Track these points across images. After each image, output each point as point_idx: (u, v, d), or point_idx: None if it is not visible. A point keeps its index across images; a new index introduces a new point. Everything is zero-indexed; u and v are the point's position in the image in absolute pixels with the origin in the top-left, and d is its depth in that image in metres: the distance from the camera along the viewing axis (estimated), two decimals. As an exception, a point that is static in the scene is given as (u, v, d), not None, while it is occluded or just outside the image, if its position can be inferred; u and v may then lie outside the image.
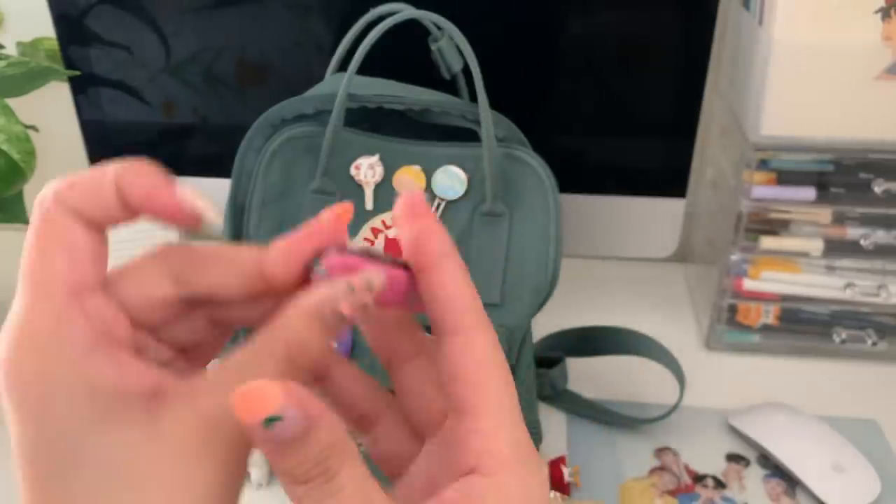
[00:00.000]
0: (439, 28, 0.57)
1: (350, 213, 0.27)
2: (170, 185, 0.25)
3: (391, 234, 0.56)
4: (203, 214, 0.26)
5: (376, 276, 0.25)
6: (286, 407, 0.22)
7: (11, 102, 0.64)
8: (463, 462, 0.25)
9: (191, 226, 0.26)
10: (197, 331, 0.28)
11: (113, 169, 0.25)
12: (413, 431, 0.30)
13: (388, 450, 0.30)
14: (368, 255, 0.26)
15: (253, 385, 0.22)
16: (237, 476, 0.25)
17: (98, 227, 0.25)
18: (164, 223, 0.26)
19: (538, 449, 0.56)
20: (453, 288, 0.27)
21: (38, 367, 0.23)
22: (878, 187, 0.69)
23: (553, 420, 0.68)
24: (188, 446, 0.23)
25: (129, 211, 0.25)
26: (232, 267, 0.26)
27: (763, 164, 0.70)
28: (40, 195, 0.25)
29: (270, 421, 0.22)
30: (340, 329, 0.25)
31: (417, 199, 0.27)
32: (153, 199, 0.25)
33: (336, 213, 0.27)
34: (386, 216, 0.56)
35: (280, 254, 0.26)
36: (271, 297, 0.27)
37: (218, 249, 0.27)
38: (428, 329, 0.29)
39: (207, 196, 0.26)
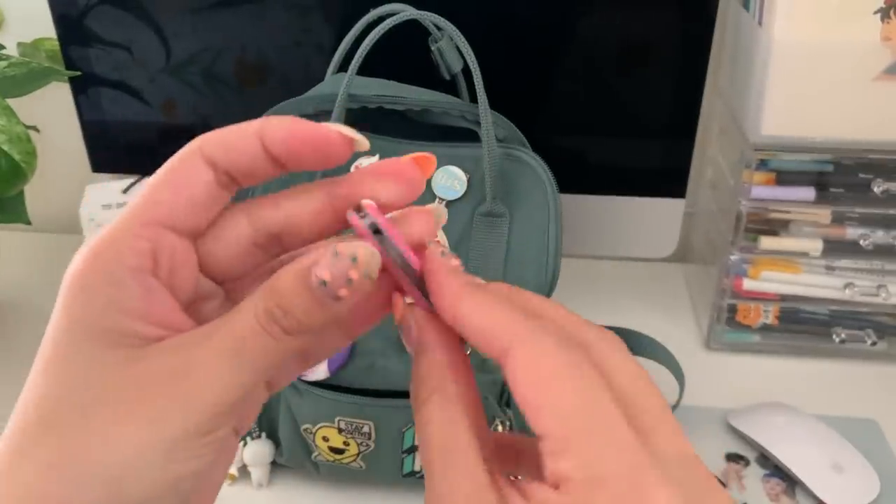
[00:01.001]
0: (439, 28, 0.57)
1: (434, 164, 0.28)
2: (310, 123, 0.26)
3: (391, 234, 0.56)
4: (352, 138, 0.26)
5: (365, 252, 0.24)
6: (402, 320, 0.26)
7: (12, 103, 0.64)
8: (545, 475, 0.23)
9: (342, 155, 0.26)
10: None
11: (257, 123, 0.26)
12: None
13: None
14: (383, 237, 0.26)
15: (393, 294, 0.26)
16: (195, 426, 0.24)
17: (225, 184, 0.26)
18: (311, 163, 0.26)
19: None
20: (474, 316, 0.25)
21: (86, 270, 0.24)
22: (878, 187, 0.69)
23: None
24: (153, 378, 0.24)
25: (272, 158, 0.26)
26: (305, 198, 0.27)
27: (762, 165, 0.70)
28: (191, 142, 0.26)
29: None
30: (329, 298, 0.24)
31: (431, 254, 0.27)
32: (300, 137, 0.25)
33: (419, 160, 0.27)
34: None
35: (349, 186, 0.27)
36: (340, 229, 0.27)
37: (290, 191, 0.27)
38: None
39: (347, 128, 0.26)
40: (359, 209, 0.26)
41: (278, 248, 0.27)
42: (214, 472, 0.26)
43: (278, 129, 0.25)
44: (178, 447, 0.23)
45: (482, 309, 0.25)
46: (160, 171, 0.26)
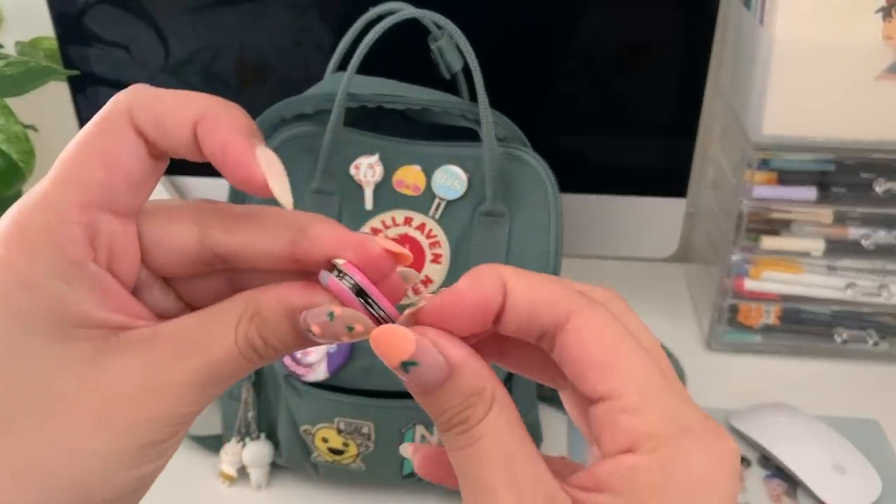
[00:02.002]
0: (439, 27, 0.57)
1: (409, 261, 0.25)
2: (248, 151, 0.23)
3: (391, 234, 0.56)
4: (274, 190, 0.24)
5: (361, 322, 0.24)
6: (420, 350, 0.22)
7: (10, 102, 0.64)
8: (615, 443, 0.23)
9: (259, 195, 0.24)
10: (213, 292, 0.26)
11: (201, 105, 0.23)
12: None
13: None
14: (367, 299, 0.24)
15: (385, 328, 0.23)
16: (162, 425, 0.23)
17: (157, 155, 0.24)
18: (231, 182, 0.24)
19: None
20: (527, 291, 0.24)
21: (18, 261, 0.22)
22: (880, 187, 0.69)
23: (553, 420, 0.68)
24: (123, 392, 0.23)
25: (199, 152, 0.24)
26: (263, 236, 0.25)
27: (764, 164, 0.70)
28: (120, 94, 0.24)
29: (408, 365, 0.23)
30: (306, 339, 0.24)
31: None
32: (226, 155, 0.23)
33: (395, 252, 0.25)
34: (385, 216, 0.56)
35: (316, 246, 0.25)
36: (292, 273, 0.25)
37: (255, 211, 0.25)
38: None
39: (279, 169, 0.24)
40: (333, 268, 0.25)
41: (223, 265, 0.25)
42: (169, 457, 0.25)
43: (213, 132, 0.23)
44: (146, 453, 0.23)
45: (535, 283, 0.24)
46: (86, 140, 0.23)
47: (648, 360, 0.23)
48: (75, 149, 0.24)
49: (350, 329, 0.24)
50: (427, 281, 0.55)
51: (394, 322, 0.25)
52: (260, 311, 0.24)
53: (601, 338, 0.23)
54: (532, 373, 0.28)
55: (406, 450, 0.29)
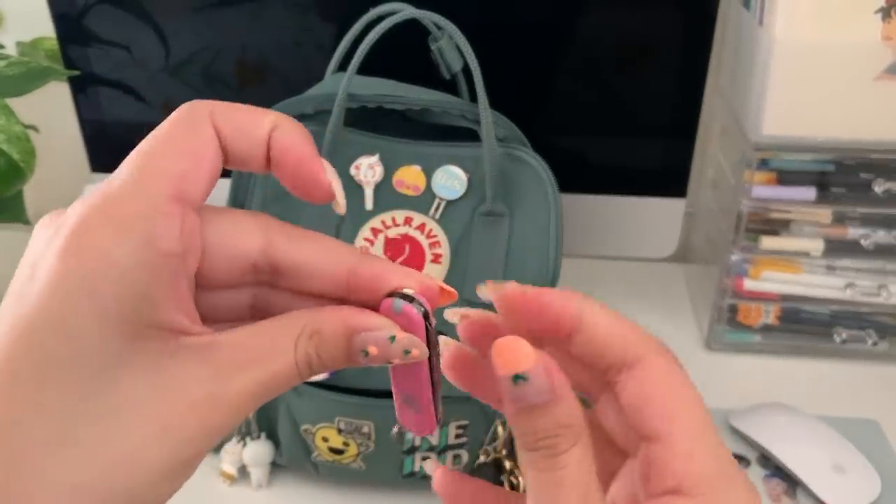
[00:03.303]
0: (439, 28, 0.57)
1: (454, 299, 0.27)
2: (318, 160, 0.25)
3: (391, 234, 0.56)
4: (337, 198, 0.26)
5: (418, 347, 0.26)
6: (535, 369, 0.23)
7: (11, 102, 0.64)
8: (663, 484, 0.25)
9: (317, 200, 0.26)
10: (233, 308, 0.27)
11: (274, 117, 0.25)
12: (616, 448, 0.29)
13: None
14: (432, 331, 0.26)
15: (509, 338, 0.24)
16: (211, 438, 0.24)
17: (228, 159, 0.25)
18: (293, 187, 0.25)
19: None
20: (606, 325, 0.26)
21: (109, 243, 0.22)
22: (879, 187, 0.69)
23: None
24: (189, 397, 0.23)
25: (266, 162, 0.25)
26: (328, 256, 0.26)
27: (763, 164, 0.70)
28: (196, 101, 0.24)
29: (518, 378, 0.24)
30: (355, 359, 0.25)
31: (512, 292, 0.27)
32: (300, 166, 0.25)
33: (446, 291, 0.27)
34: (385, 216, 0.56)
35: (376, 275, 0.26)
36: (340, 300, 0.26)
37: (318, 237, 0.26)
38: None
39: (338, 179, 0.26)
40: (401, 296, 0.26)
41: (269, 279, 0.26)
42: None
43: (287, 136, 0.25)
44: (192, 464, 0.24)
45: (615, 317, 0.26)
46: (169, 135, 0.24)
47: (703, 411, 0.25)
48: (157, 143, 0.23)
49: (407, 353, 0.25)
50: (427, 281, 0.55)
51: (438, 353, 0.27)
52: (321, 330, 0.25)
53: (667, 382, 0.25)
54: None
55: (428, 468, 0.30)
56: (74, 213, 0.22)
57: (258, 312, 0.27)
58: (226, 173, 0.60)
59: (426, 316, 0.26)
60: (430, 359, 0.27)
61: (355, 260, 0.26)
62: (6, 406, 0.21)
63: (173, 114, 0.24)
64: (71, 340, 0.21)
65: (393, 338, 0.25)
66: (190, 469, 0.24)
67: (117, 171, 0.23)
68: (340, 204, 0.26)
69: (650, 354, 0.26)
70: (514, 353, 0.24)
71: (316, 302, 0.26)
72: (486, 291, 0.26)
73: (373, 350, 0.25)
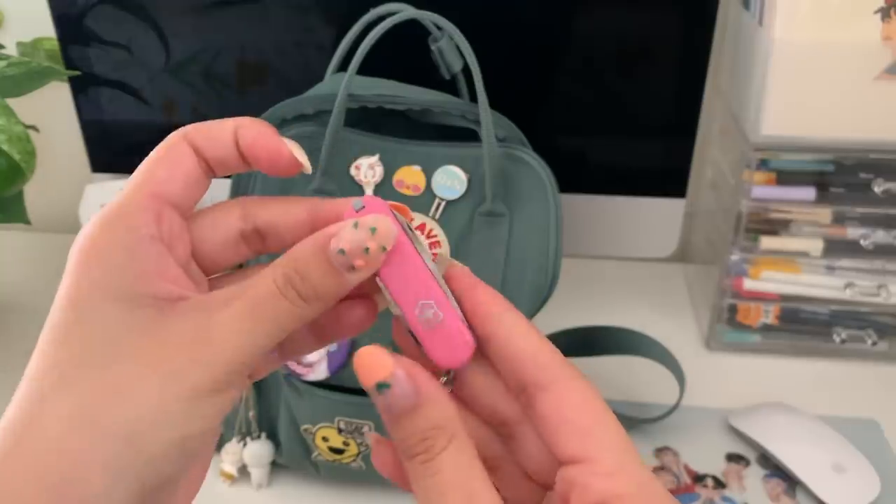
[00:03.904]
0: (439, 28, 0.57)
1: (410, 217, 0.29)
2: (277, 136, 0.29)
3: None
4: (301, 162, 0.29)
5: (384, 224, 0.26)
6: (394, 376, 0.25)
7: (12, 102, 0.64)
8: (584, 502, 0.25)
9: (288, 171, 0.29)
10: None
11: (235, 121, 0.29)
12: (534, 483, 0.30)
13: (513, 497, 0.30)
14: (403, 222, 0.28)
15: (367, 349, 0.25)
16: (205, 372, 0.25)
17: (209, 167, 0.29)
18: (266, 168, 0.29)
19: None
20: (524, 343, 0.27)
21: (99, 238, 0.26)
22: (878, 187, 0.69)
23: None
24: (176, 337, 0.25)
25: (241, 156, 0.29)
26: (289, 208, 0.29)
27: (763, 164, 0.70)
28: (174, 133, 0.29)
29: (381, 387, 0.25)
30: (345, 267, 0.26)
31: (461, 272, 0.29)
32: (261, 144, 0.28)
33: (397, 206, 0.30)
34: (386, 216, 0.56)
35: (333, 214, 0.29)
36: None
37: (286, 198, 0.30)
38: None
39: (300, 148, 0.29)
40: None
41: (260, 245, 0.30)
42: (211, 442, 0.27)
43: (248, 130, 0.29)
44: (191, 405, 0.25)
45: (525, 335, 0.27)
46: (151, 155, 0.28)
47: (621, 431, 0.26)
48: (144, 163, 0.28)
49: (374, 230, 0.26)
50: (427, 281, 0.55)
51: (421, 242, 0.28)
52: (293, 254, 0.27)
53: (583, 404, 0.26)
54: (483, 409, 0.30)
55: (369, 438, 0.30)
56: (87, 226, 0.27)
57: None
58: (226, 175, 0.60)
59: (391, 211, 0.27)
60: (419, 255, 0.27)
61: (314, 204, 0.29)
62: (37, 390, 0.25)
63: (156, 148, 0.29)
64: (77, 313, 0.25)
65: (356, 223, 0.26)
66: (197, 408, 0.25)
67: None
68: (305, 165, 0.29)
69: (564, 377, 0.26)
70: (373, 363, 0.25)
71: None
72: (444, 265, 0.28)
73: (345, 244, 0.26)
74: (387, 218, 0.26)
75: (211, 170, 0.29)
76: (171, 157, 0.28)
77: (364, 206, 0.27)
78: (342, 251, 0.26)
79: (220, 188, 0.56)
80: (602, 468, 0.25)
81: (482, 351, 0.28)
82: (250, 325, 0.25)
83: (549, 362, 0.27)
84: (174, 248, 0.27)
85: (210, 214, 0.29)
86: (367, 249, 0.26)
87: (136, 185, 0.27)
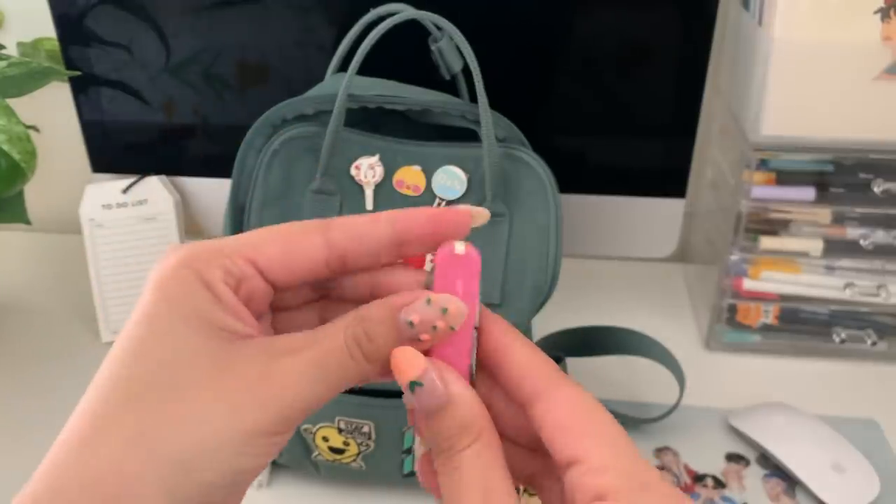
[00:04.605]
0: (439, 28, 0.57)
1: (485, 218, 0.29)
2: (449, 212, 0.29)
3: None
4: (473, 216, 0.29)
5: (456, 306, 0.27)
6: (426, 374, 0.26)
7: (12, 102, 0.64)
8: (584, 501, 0.26)
9: (462, 235, 0.29)
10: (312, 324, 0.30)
11: (388, 222, 0.28)
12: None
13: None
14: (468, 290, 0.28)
15: (402, 348, 0.27)
16: (267, 410, 0.26)
17: (341, 263, 0.28)
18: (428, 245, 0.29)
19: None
20: (524, 357, 0.28)
21: (182, 267, 0.26)
22: (878, 187, 0.69)
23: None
24: (242, 375, 0.26)
25: (398, 242, 0.28)
26: (370, 224, 0.29)
27: (763, 164, 0.70)
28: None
29: (414, 385, 0.26)
30: (405, 334, 0.27)
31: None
32: (433, 221, 0.29)
33: (470, 212, 0.29)
34: (386, 216, 0.56)
35: (413, 217, 0.29)
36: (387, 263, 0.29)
37: (366, 216, 0.29)
38: None
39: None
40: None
41: (342, 269, 0.29)
42: (255, 477, 0.27)
43: (415, 220, 0.28)
44: (248, 442, 0.25)
45: (528, 350, 0.29)
46: (282, 227, 0.28)
47: (616, 428, 0.27)
48: (273, 228, 0.28)
49: (444, 311, 0.27)
50: (427, 281, 0.55)
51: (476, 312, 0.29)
52: (366, 315, 0.27)
53: (576, 406, 0.27)
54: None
55: (417, 451, 0.31)
56: (168, 256, 0.27)
57: (327, 305, 0.31)
58: (226, 174, 0.60)
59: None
60: (472, 332, 0.28)
61: (394, 214, 0.29)
62: (102, 403, 0.25)
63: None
64: (153, 329, 0.26)
65: (428, 300, 0.27)
66: (252, 445, 0.25)
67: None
68: (479, 217, 0.29)
69: (560, 384, 0.27)
70: (407, 362, 0.27)
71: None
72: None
73: (415, 318, 0.27)
74: (458, 301, 0.27)
75: (346, 265, 0.29)
76: (293, 243, 0.28)
77: (465, 253, 0.28)
78: (411, 324, 0.27)
79: (221, 188, 0.57)
80: (593, 465, 0.26)
81: (495, 378, 0.29)
82: (315, 376, 0.26)
83: (548, 372, 0.28)
84: (252, 305, 0.28)
85: (291, 246, 0.28)
86: (435, 327, 0.27)
87: (241, 243, 0.28)
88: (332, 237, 0.28)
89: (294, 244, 0.28)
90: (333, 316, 0.29)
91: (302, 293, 0.31)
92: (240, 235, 0.28)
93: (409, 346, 0.27)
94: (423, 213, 0.29)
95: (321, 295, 0.31)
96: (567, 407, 0.27)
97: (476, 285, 0.28)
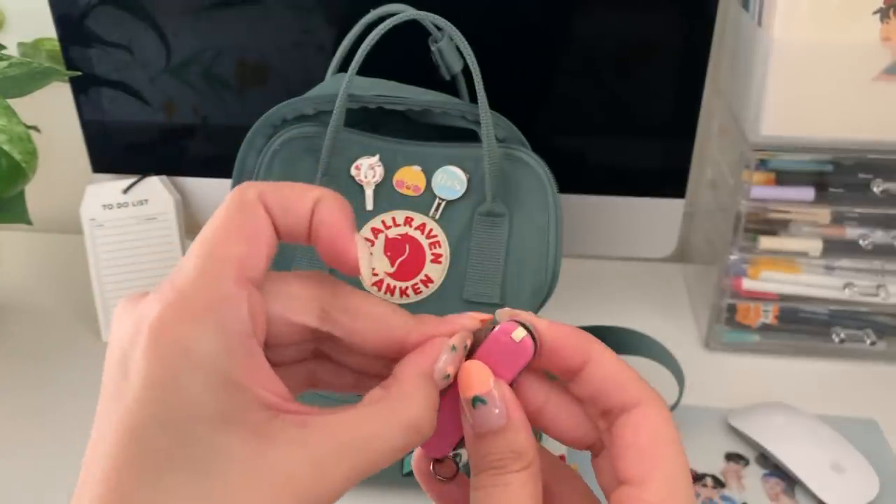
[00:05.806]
0: (439, 29, 0.57)
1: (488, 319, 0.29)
2: (350, 235, 0.26)
3: (391, 234, 0.56)
4: (362, 274, 0.27)
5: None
6: (491, 393, 0.26)
7: (13, 103, 0.64)
8: None
9: (347, 268, 0.27)
10: (295, 381, 0.29)
11: (318, 193, 0.26)
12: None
13: None
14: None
15: (474, 362, 0.27)
16: None
17: (279, 234, 0.26)
18: (323, 255, 0.26)
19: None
20: (612, 368, 0.28)
21: (187, 338, 0.23)
22: (877, 187, 0.69)
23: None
24: (290, 484, 0.23)
25: (307, 232, 0.26)
26: (380, 324, 0.27)
27: (762, 165, 0.70)
28: (244, 185, 0.26)
29: (476, 401, 0.27)
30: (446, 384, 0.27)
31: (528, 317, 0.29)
32: (333, 241, 0.26)
33: (481, 319, 0.29)
34: (386, 216, 0.57)
35: (435, 327, 0.28)
36: (394, 358, 0.28)
37: (371, 299, 0.27)
38: None
39: (371, 254, 0.28)
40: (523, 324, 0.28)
41: (330, 343, 0.28)
42: None
43: (327, 211, 0.26)
44: None
45: (613, 361, 0.28)
46: (225, 220, 0.25)
47: (683, 464, 0.27)
48: (215, 230, 0.25)
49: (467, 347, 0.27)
50: (427, 280, 0.55)
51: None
52: (417, 424, 0.26)
53: (656, 432, 0.27)
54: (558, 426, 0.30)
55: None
56: (151, 309, 0.23)
57: (319, 364, 0.29)
58: (227, 174, 0.60)
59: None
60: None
61: (406, 331, 0.27)
62: (114, 500, 0.22)
63: (226, 199, 0.25)
64: (169, 437, 0.22)
65: (453, 347, 0.27)
66: None
67: (184, 259, 0.24)
68: (365, 279, 0.27)
69: (646, 402, 0.27)
70: (475, 378, 0.27)
71: (370, 363, 0.28)
72: (505, 317, 0.28)
73: (450, 369, 0.27)
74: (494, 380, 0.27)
75: (281, 236, 0.26)
76: (250, 227, 0.25)
77: (520, 342, 0.27)
78: (448, 377, 0.27)
79: (221, 188, 0.57)
80: (652, 494, 0.26)
81: (574, 380, 0.29)
82: (359, 479, 0.25)
83: (635, 386, 0.28)
84: (258, 338, 0.25)
85: (285, 297, 0.26)
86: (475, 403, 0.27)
87: (219, 265, 0.24)
88: (273, 211, 0.26)
89: (255, 234, 0.25)
90: (327, 376, 0.29)
91: (296, 332, 0.27)
92: (220, 254, 0.25)
93: (480, 363, 0.27)
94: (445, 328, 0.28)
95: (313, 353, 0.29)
96: (649, 427, 0.27)
97: (515, 373, 0.28)
